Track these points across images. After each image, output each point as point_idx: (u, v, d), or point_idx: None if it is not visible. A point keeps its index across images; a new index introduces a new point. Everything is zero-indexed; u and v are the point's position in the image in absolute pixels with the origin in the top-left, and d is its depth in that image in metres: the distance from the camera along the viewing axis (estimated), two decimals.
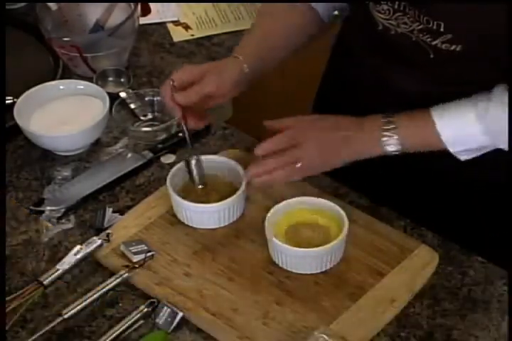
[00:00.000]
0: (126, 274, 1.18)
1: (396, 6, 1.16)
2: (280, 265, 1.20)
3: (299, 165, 1.17)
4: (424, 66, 1.21)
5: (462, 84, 1.18)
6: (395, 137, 1.17)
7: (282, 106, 1.71)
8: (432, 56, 1.17)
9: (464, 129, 1.16)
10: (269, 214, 1.21)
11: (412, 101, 1.23)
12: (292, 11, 1.32)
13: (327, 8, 1.34)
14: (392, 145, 1.18)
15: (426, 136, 1.18)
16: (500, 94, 1.14)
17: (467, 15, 1.10)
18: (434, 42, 1.15)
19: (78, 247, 1.20)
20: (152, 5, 1.73)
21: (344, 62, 1.38)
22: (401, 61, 1.23)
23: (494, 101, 1.14)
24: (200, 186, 1.27)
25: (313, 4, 1.32)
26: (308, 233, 1.22)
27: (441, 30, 1.13)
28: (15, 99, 1.42)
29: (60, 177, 1.37)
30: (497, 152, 1.21)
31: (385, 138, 1.17)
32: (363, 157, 1.20)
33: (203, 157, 1.28)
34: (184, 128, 1.26)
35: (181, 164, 1.28)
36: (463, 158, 1.19)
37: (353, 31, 1.32)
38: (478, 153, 1.18)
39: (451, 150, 1.18)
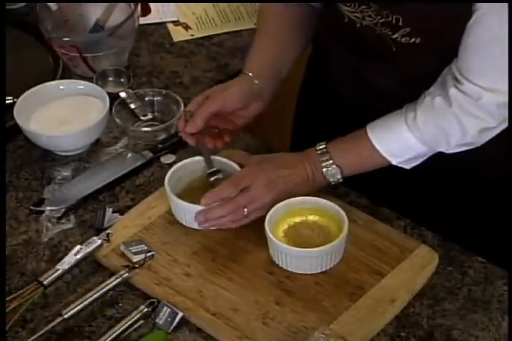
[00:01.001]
0: (126, 274, 1.18)
1: None
2: (280, 265, 1.20)
3: (245, 212, 1.20)
4: (389, 60, 1.22)
5: (428, 77, 1.19)
6: (333, 166, 1.22)
7: (282, 106, 1.71)
8: (394, 49, 1.19)
9: (398, 141, 1.19)
10: (269, 214, 1.21)
11: (385, 96, 1.25)
12: (288, 11, 1.32)
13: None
14: (332, 174, 1.22)
15: (365, 155, 1.22)
16: (424, 102, 1.17)
17: (423, 8, 1.12)
18: (394, 36, 1.17)
19: (78, 247, 1.20)
20: (152, 5, 1.73)
21: (321, 62, 1.38)
22: (369, 55, 1.24)
23: (420, 110, 1.17)
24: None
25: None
26: (308, 233, 1.22)
27: (400, 24, 1.15)
28: (15, 99, 1.42)
29: (60, 177, 1.37)
30: (496, 151, 1.21)
31: (325, 170, 1.22)
32: (312, 190, 1.24)
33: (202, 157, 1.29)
34: (204, 153, 1.28)
35: (180, 165, 1.29)
36: (408, 166, 1.22)
37: (324, 26, 1.33)
38: (421, 160, 1.22)
39: (393, 162, 1.21)
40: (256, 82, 1.27)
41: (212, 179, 1.26)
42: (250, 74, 1.28)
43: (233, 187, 1.20)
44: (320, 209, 1.23)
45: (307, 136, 1.29)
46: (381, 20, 1.17)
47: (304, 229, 1.22)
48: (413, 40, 1.16)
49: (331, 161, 1.22)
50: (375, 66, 1.25)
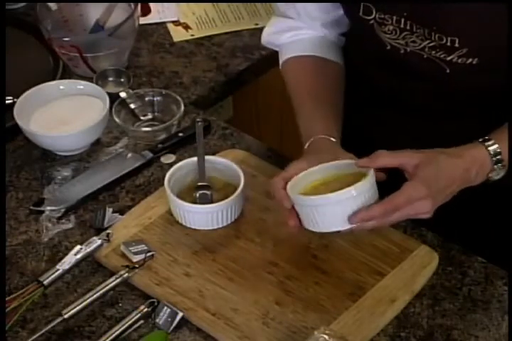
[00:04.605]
0: (126, 274, 1.18)
1: (402, 26, 1.16)
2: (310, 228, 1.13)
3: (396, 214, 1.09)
4: (439, 81, 1.21)
5: (481, 97, 1.19)
6: (503, 167, 1.13)
7: (282, 106, 1.71)
8: (448, 71, 1.18)
9: None
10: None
11: (427, 114, 1.25)
12: (326, 71, 1.32)
13: (340, 52, 1.35)
14: (498, 174, 1.14)
15: None
16: None
17: (480, 28, 1.11)
18: (449, 58, 1.16)
19: (78, 247, 1.20)
20: (152, 5, 1.73)
21: (349, 77, 1.36)
22: (414, 78, 1.23)
23: None
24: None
25: (328, 58, 1.33)
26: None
27: (456, 45, 1.13)
28: (15, 99, 1.42)
29: (60, 177, 1.37)
30: None
31: (494, 173, 1.13)
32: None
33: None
34: (199, 164, 1.26)
35: (179, 165, 1.29)
36: None
37: (361, 52, 1.32)
38: None
39: None
40: (334, 140, 1.21)
41: (198, 193, 1.27)
42: (325, 136, 1.20)
43: (405, 202, 1.08)
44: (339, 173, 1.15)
45: None
46: (430, 44, 1.16)
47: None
48: (470, 60, 1.14)
49: (503, 163, 1.12)
50: (423, 89, 1.24)
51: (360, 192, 1.08)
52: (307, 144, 1.21)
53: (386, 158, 1.10)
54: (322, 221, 1.11)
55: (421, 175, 1.08)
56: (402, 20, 1.16)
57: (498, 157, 1.12)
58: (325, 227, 1.11)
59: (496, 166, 1.12)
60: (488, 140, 1.12)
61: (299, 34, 1.34)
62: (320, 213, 1.10)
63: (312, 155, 1.18)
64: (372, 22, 1.19)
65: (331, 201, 1.08)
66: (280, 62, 1.36)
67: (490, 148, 1.12)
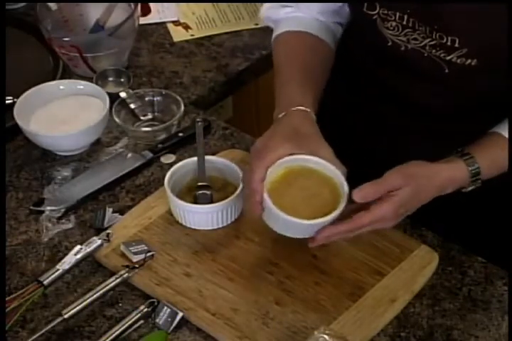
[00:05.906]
0: (126, 274, 1.18)
1: (405, 22, 1.16)
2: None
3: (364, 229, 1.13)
4: (438, 80, 1.21)
5: (481, 97, 1.19)
6: (479, 182, 1.16)
7: None
8: (446, 71, 1.18)
9: None
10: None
11: (426, 112, 1.25)
12: (315, 47, 1.31)
13: (333, 37, 1.34)
14: (475, 185, 1.17)
15: (505, 160, 1.16)
16: None
17: (482, 29, 1.11)
18: (448, 57, 1.16)
19: (78, 247, 1.20)
20: (152, 5, 1.73)
21: (350, 72, 1.36)
22: (414, 75, 1.23)
23: None
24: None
25: (322, 36, 1.32)
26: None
27: (456, 45, 1.13)
28: (15, 99, 1.42)
29: (60, 177, 1.37)
30: None
31: (471, 187, 1.17)
32: None
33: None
34: (199, 164, 1.25)
35: (179, 165, 1.29)
36: None
37: (362, 46, 1.32)
38: None
39: None
40: (313, 115, 1.19)
41: (198, 192, 1.26)
42: (307, 109, 1.18)
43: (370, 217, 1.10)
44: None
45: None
46: (431, 43, 1.16)
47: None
48: (469, 61, 1.14)
49: (479, 181, 1.16)
50: (423, 87, 1.24)
51: (327, 221, 1.10)
52: (283, 113, 1.17)
53: (370, 191, 1.10)
54: (282, 228, 1.13)
55: (401, 195, 1.10)
56: (405, 16, 1.16)
57: (477, 177, 1.15)
58: (283, 232, 1.14)
59: (471, 183, 1.16)
60: (471, 157, 1.14)
61: (297, 11, 1.33)
62: (285, 223, 1.11)
63: (296, 141, 1.14)
64: (375, 17, 1.19)
65: (298, 224, 1.10)
66: (273, 35, 1.34)
67: (471, 168, 1.14)
